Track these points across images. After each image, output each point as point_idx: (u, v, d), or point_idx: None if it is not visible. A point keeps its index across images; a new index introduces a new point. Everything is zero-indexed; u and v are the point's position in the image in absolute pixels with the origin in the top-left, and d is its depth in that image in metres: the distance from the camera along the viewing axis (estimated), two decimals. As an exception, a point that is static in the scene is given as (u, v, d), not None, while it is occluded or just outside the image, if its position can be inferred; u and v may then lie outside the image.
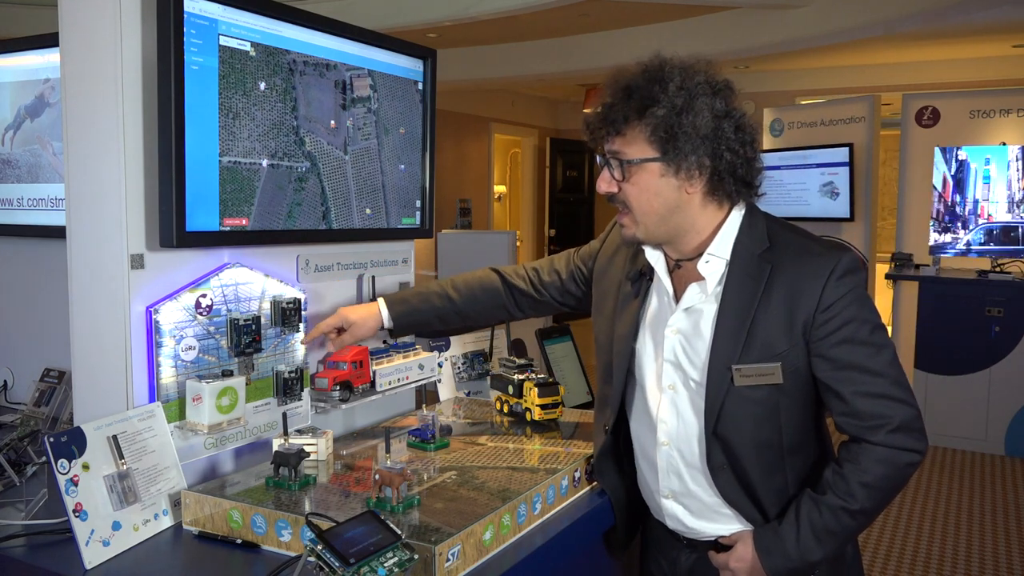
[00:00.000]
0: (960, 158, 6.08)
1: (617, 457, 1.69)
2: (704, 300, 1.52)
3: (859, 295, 1.45)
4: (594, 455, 1.70)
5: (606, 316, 1.68)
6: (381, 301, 1.88)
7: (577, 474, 1.67)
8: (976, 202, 6.04)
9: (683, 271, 1.56)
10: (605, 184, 1.52)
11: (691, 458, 1.54)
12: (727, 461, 1.50)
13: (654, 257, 1.58)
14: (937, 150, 6.12)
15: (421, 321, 1.92)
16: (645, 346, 1.60)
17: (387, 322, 1.88)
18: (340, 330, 1.84)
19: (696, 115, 1.42)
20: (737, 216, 1.53)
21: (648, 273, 1.61)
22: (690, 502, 1.57)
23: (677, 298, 1.56)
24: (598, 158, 1.55)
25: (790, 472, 1.51)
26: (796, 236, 1.53)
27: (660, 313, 1.59)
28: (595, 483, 1.73)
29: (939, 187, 6.13)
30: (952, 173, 6.10)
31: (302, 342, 1.81)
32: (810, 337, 1.45)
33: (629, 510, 1.70)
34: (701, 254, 1.52)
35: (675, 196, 1.48)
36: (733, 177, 1.47)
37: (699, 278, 1.52)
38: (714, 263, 1.51)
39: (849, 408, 1.44)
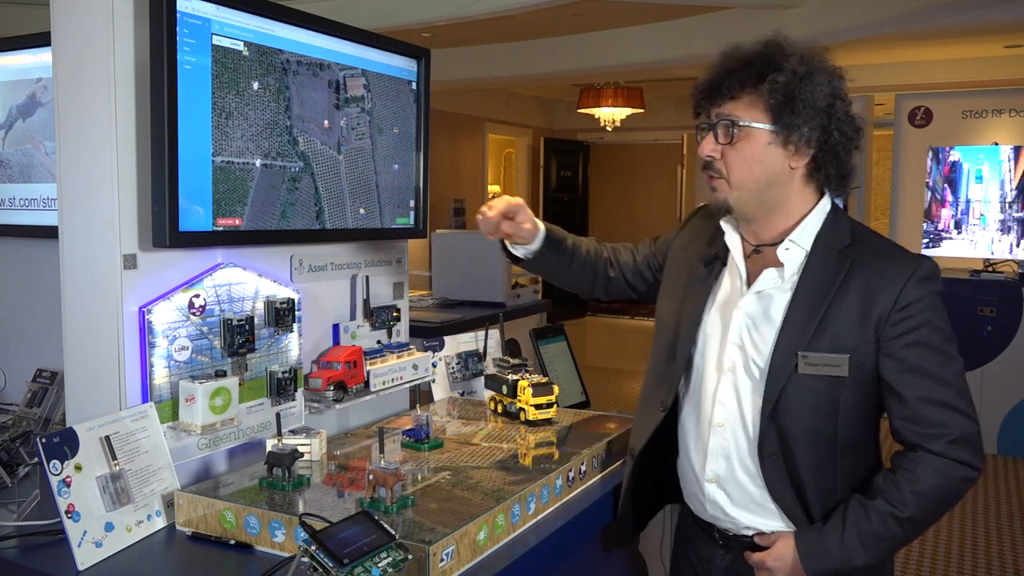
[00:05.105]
0: (953, 158, 6.10)
1: (660, 439, 1.66)
2: (778, 286, 1.52)
3: (936, 303, 1.45)
4: (640, 434, 1.66)
5: (674, 297, 1.68)
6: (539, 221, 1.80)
7: (571, 474, 1.67)
8: (968, 202, 6.06)
9: (760, 257, 1.56)
10: (708, 148, 1.51)
11: (743, 443, 1.53)
12: (780, 450, 1.48)
13: (732, 240, 1.59)
14: (930, 150, 6.14)
15: (559, 255, 1.82)
16: (712, 327, 1.59)
17: (540, 234, 1.79)
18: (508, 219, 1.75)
19: (815, 86, 1.44)
20: (822, 209, 1.54)
21: (722, 256, 1.62)
22: (733, 489, 1.55)
23: (750, 282, 1.56)
24: (698, 127, 1.54)
25: (840, 473, 1.49)
26: (879, 238, 1.55)
27: (731, 295, 1.59)
28: (588, 482, 1.73)
29: (932, 187, 6.15)
30: (944, 173, 6.12)
31: (479, 213, 1.73)
32: (882, 335, 1.44)
33: (642, 498, 1.69)
34: (781, 241, 1.52)
35: (778, 168, 1.49)
36: (836, 160, 1.49)
37: (776, 264, 1.53)
38: (794, 251, 1.51)
39: (910, 412, 1.43)
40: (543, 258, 1.82)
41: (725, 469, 1.55)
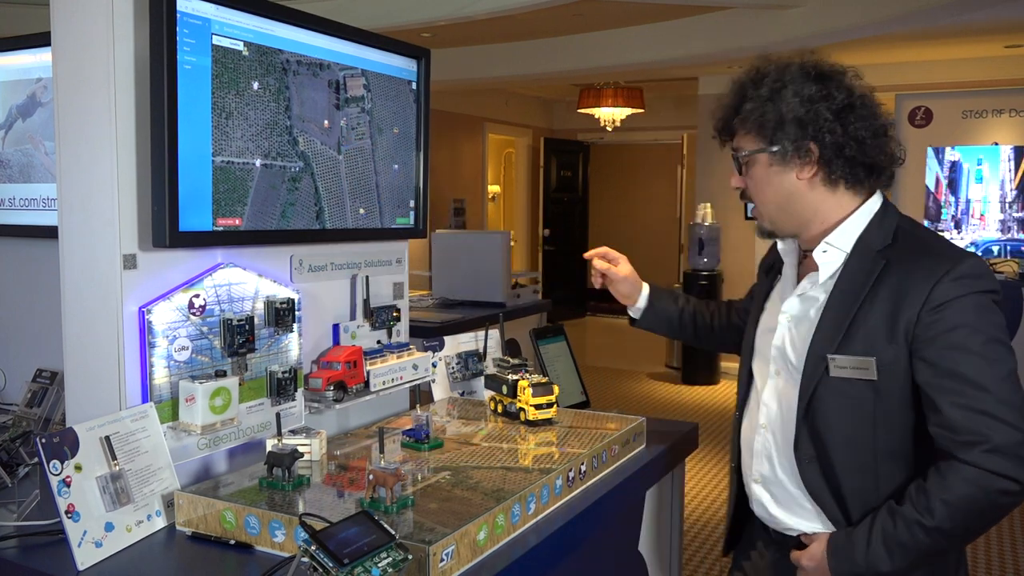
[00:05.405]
0: (952, 158, 6.10)
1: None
2: (815, 289, 1.54)
3: (978, 302, 1.39)
4: (736, 449, 1.72)
5: (752, 311, 1.76)
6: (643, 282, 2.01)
7: (571, 474, 1.67)
8: (968, 202, 6.06)
9: (809, 261, 1.59)
10: (735, 180, 1.61)
11: (783, 444, 1.55)
12: (815, 452, 1.49)
13: (785, 248, 1.64)
14: (930, 150, 6.14)
15: (667, 317, 1.99)
16: (764, 332, 1.64)
17: (644, 292, 1.97)
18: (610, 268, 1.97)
19: (782, 102, 1.48)
20: (868, 210, 1.53)
21: (778, 265, 1.68)
22: (776, 490, 1.58)
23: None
24: None
25: (882, 480, 1.46)
26: (925, 237, 1.51)
27: (779, 301, 1.63)
28: (588, 482, 1.73)
29: (932, 187, 6.15)
30: (944, 173, 6.12)
31: (585, 255, 1.99)
32: (914, 338, 1.40)
33: (742, 510, 1.71)
34: None
35: (788, 184, 1.53)
36: (843, 159, 1.48)
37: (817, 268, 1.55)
38: (832, 253, 1.52)
39: (943, 419, 1.37)
40: (653, 310, 1.98)
41: (768, 470, 1.58)
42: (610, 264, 1.95)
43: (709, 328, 1.98)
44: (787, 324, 1.57)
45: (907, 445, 1.46)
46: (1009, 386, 1.36)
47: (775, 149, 1.50)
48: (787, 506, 1.57)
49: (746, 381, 1.68)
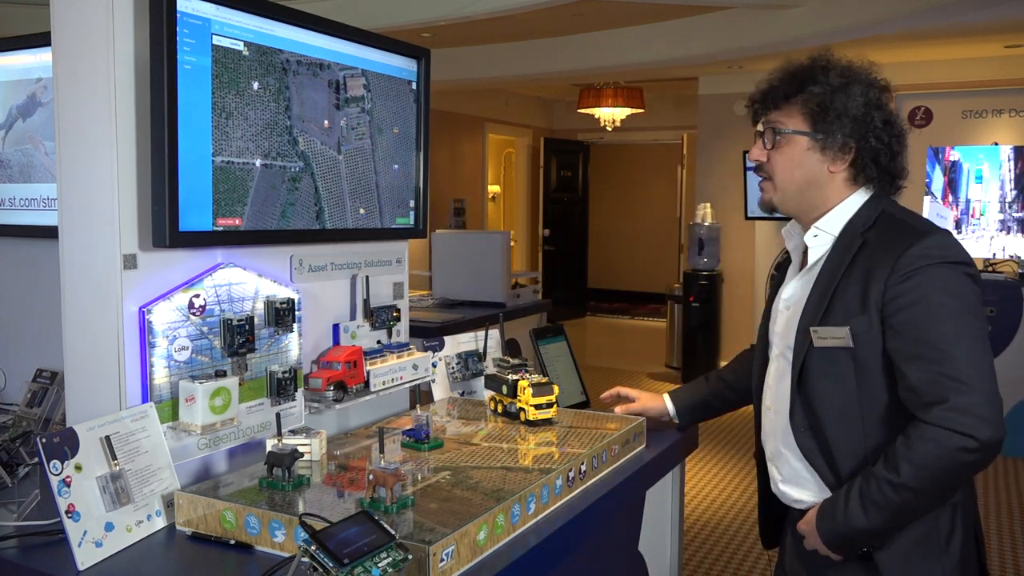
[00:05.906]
0: (953, 158, 6.10)
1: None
2: (808, 273, 1.62)
3: (945, 273, 1.45)
4: (758, 436, 1.79)
5: (767, 308, 1.83)
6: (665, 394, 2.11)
7: (571, 474, 1.67)
8: (968, 202, 6.06)
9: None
10: (757, 152, 1.66)
11: (785, 421, 1.61)
12: (808, 423, 1.56)
13: (787, 237, 1.72)
14: (929, 150, 6.14)
15: (699, 400, 2.06)
16: (772, 320, 1.72)
17: (667, 402, 2.06)
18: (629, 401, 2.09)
19: (849, 97, 1.55)
20: (860, 197, 1.61)
21: (787, 263, 1.78)
22: (782, 466, 1.66)
23: None
24: (755, 133, 1.69)
25: (871, 448, 1.52)
26: (904, 217, 1.58)
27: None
28: (588, 482, 1.73)
29: (931, 187, 6.14)
30: (944, 173, 6.12)
31: (602, 396, 2.13)
32: (883, 307, 1.48)
33: (771, 499, 1.74)
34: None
35: (816, 171, 1.60)
36: (876, 165, 1.57)
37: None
38: (823, 238, 1.61)
39: (909, 383, 1.44)
40: (684, 410, 2.06)
41: (774, 447, 1.67)
42: (628, 403, 2.08)
43: (748, 376, 1.92)
44: (784, 308, 1.65)
45: (893, 414, 1.51)
46: (972, 351, 1.43)
47: (822, 136, 1.56)
48: (792, 480, 1.64)
49: (760, 370, 1.74)
